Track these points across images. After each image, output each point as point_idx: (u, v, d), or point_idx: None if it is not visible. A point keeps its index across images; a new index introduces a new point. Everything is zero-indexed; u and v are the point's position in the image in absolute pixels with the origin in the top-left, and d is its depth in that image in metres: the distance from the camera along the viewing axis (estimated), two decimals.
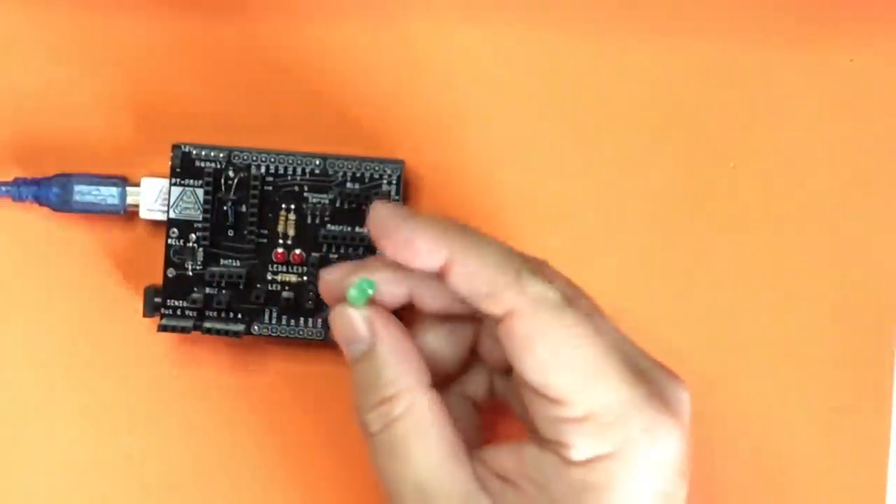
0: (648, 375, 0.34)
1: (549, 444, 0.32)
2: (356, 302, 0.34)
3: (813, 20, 0.41)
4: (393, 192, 0.40)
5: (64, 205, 0.40)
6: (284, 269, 0.40)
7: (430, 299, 0.35)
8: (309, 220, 0.40)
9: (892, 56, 0.41)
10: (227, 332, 0.40)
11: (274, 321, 0.40)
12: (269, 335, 0.40)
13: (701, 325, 0.41)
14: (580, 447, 0.32)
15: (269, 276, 0.40)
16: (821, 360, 0.41)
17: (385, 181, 0.40)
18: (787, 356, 0.41)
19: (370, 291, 0.34)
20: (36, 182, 0.40)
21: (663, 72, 0.41)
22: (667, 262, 0.41)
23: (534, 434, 0.33)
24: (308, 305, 0.40)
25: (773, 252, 0.41)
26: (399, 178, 0.40)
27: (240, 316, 0.40)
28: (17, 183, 0.40)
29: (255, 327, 0.40)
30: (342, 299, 0.34)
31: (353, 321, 0.34)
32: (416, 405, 0.33)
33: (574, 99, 0.41)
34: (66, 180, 0.40)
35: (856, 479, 0.41)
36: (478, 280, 0.33)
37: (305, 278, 0.40)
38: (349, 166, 0.40)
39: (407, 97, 0.41)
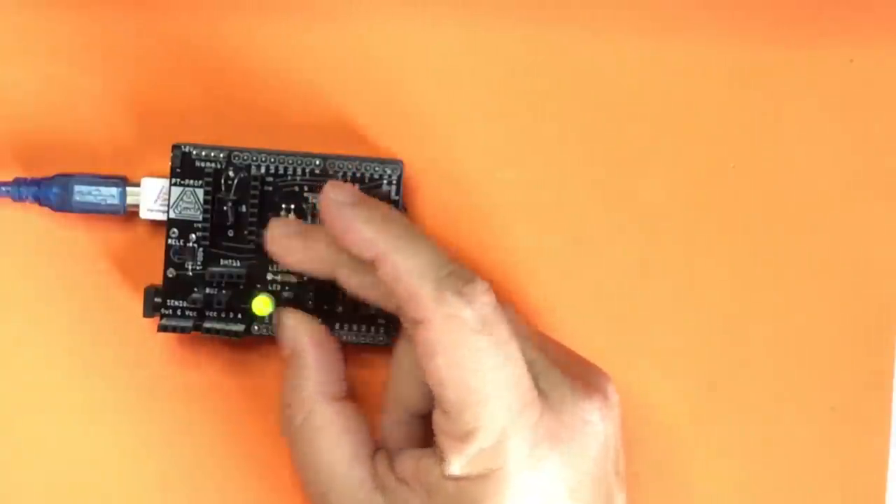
0: (553, 405, 0.35)
1: (438, 453, 0.35)
2: (260, 313, 0.39)
3: (813, 20, 0.41)
4: (393, 192, 0.40)
5: (64, 205, 0.40)
6: (284, 269, 0.40)
7: (355, 285, 0.37)
8: (309, 220, 0.40)
9: (892, 56, 0.41)
10: (227, 332, 0.40)
11: (274, 321, 0.40)
12: (270, 335, 0.40)
13: (701, 325, 0.41)
14: (455, 463, 0.34)
15: (269, 276, 0.40)
16: (821, 360, 0.41)
17: (385, 181, 0.40)
18: (787, 356, 0.41)
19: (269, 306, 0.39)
20: (36, 182, 0.40)
21: (663, 72, 0.41)
22: (667, 262, 0.41)
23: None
24: (308, 305, 0.40)
25: (773, 252, 0.41)
26: (399, 178, 0.40)
27: (240, 316, 0.40)
28: (17, 183, 0.40)
29: (255, 327, 0.40)
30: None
31: (287, 330, 0.38)
32: (319, 411, 0.37)
33: (574, 99, 0.41)
34: (66, 180, 0.40)
35: (856, 479, 0.41)
36: (403, 282, 0.34)
37: (305, 278, 0.40)
38: (349, 166, 0.40)
39: (407, 97, 0.41)
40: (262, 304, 0.38)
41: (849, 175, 0.41)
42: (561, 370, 0.35)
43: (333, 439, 0.36)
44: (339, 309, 0.40)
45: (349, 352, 0.41)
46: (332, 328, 0.40)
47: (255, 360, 0.41)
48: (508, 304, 0.37)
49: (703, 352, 0.41)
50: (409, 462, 0.36)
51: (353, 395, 0.38)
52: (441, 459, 0.34)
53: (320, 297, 0.40)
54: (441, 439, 0.34)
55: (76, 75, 0.41)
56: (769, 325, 0.41)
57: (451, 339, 0.33)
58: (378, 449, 0.37)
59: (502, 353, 0.34)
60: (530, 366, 0.35)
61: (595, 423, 0.35)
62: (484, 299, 0.34)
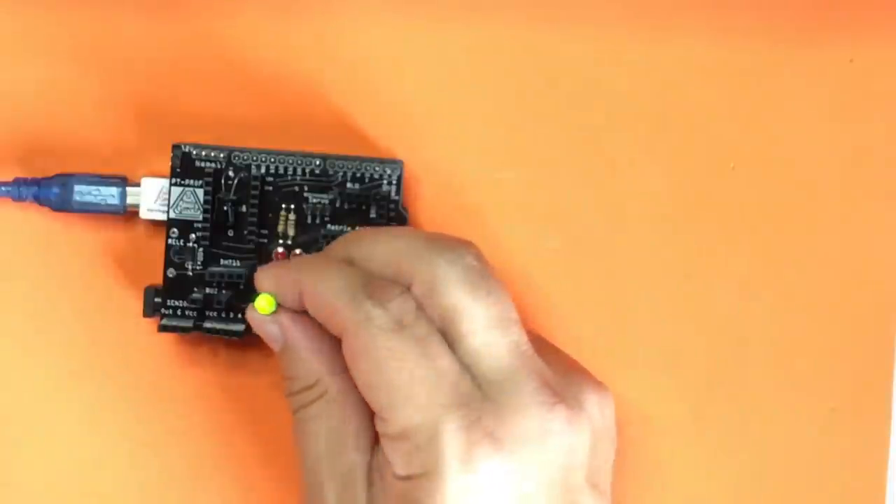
0: (497, 403, 0.34)
1: (385, 457, 0.35)
2: (262, 311, 0.37)
3: (813, 20, 0.41)
4: (393, 192, 0.40)
5: (64, 205, 0.40)
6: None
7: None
8: (309, 220, 0.40)
9: (892, 56, 0.41)
10: (227, 332, 0.40)
11: (249, 319, 0.40)
12: None
13: (700, 325, 0.41)
14: (396, 464, 0.34)
15: None
16: (821, 360, 0.41)
17: (385, 181, 0.40)
18: (787, 356, 0.41)
19: (272, 304, 0.38)
20: (36, 182, 0.40)
21: (663, 72, 0.41)
22: (666, 262, 0.41)
23: None
24: None
25: (773, 252, 0.41)
26: (399, 178, 0.40)
27: (240, 316, 0.40)
28: (17, 183, 0.40)
29: None
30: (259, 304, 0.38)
31: (264, 324, 0.38)
32: (319, 397, 0.36)
33: (574, 99, 0.41)
34: (66, 180, 0.40)
35: (856, 479, 0.41)
36: (320, 305, 0.36)
37: None
38: (349, 166, 0.40)
39: (407, 97, 0.41)
40: (265, 303, 0.38)
41: (849, 175, 0.41)
42: (534, 377, 0.35)
43: (339, 420, 0.36)
44: None
45: None
46: None
47: (255, 360, 0.41)
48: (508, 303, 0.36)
49: (702, 352, 0.41)
50: (381, 456, 0.36)
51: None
52: (387, 463, 0.34)
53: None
54: (382, 442, 0.35)
55: (76, 75, 0.41)
56: (769, 325, 0.41)
57: (367, 341, 0.34)
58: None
59: (421, 350, 0.34)
60: (447, 370, 0.34)
61: (557, 432, 0.34)
62: (397, 301, 0.34)
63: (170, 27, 0.41)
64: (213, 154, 0.40)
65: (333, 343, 0.37)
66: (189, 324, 0.40)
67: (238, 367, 0.41)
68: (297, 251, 0.40)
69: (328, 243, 0.40)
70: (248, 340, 0.40)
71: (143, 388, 0.41)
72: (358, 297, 0.35)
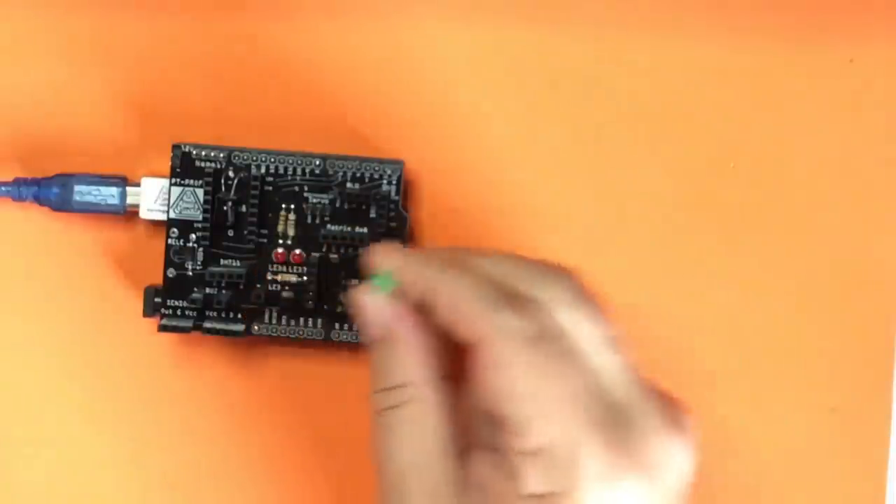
0: (628, 423, 0.33)
1: (511, 472, 0.33)
2: (381, 290, 0.36)
3: (813, 20, 0.41)
4: (393, 192, 0.40)
5: (64, 205, 0.40)
6: (284, 269, 0.40)
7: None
8: (309, 220, 0.40)
9: (892, 56, 0.41)
10: (227, 332, 0.40)
11: (274, 321, 0.40)
12: (269, 335, 0.40)
13: (700, 325, 0.41)
14: (529, 480, 0.32)
15: (269, 276, 0.40)
16: (821, 360, 0.41)
17: (385, 181, 0.40)
18: (787, 356, 0.41)
19: (391, 285, 0.36)
20: (36, 182, 0.40)
21: (663, 72, 0.41)
22: (666, 262, 0.41)
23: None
24: (308, 305, 0.40)
25: (773, 252, 0.41)
26: (399, 178, 0.40)
27: (240, 316, 0.40)
28: (17, 183, 0.40)
29: (255, 327, 0.40)
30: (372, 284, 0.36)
31: (375, 309, 0.36)
32: (416, 399, 0.34)
33: (574, 99, 0.41)
34: (66, 180, 0.40)
35: (856, 479, 0.41)
36: (457, 307, 0.34)
37: (305, 278, 0.40)
38: (349, 166, 0.40)
39: (407, 97, 0.41)
40: (383, 285, 0.36)
41: (849, 175, 0.41)
42: (653, 400, 0.34)
43: (429, 429, 0.34)
44: (339, 309, 0.40)
45: (348, 352, 0.41)
46: (331, 328, 0.40)
47: (255, 360, 0.41)
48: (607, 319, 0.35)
49: (702, 352, 0.41)
50: (486, 469, 0.34)
51: (452, 373, 0.36)
52: (514, 478, 0.33)
53: (320, 297, 0.40)
54: (511, 457, 0.33)
55: (76, 75, 0.41)
56: (769, 325, 0.41)
57: (510, 351, 0.33)
58: (467, 445, 0.35)
59: (567, 365, 0.33)
60: (593, 386, 0.33)
61: (680, 460, 0.34)
62: (541, 313, 0.33)
63: (170, 27, 0.41)
64: (213, 154, 0.40)
65: (438, 346, 0.35)
66: (189, 324, 0.40)
67: (238, 367, 0.41)
68: (297, 251, 0.40)
69: (328, 243, 0.40)
70: (248, 340, 0.40)
71: (143, 388, 0.41)
72: (500, 305, 0.33)
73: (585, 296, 0.34)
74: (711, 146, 0.41)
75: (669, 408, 0.35)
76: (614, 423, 0.33)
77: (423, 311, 0.35)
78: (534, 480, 0.32)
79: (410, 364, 0.35)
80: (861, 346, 0.41)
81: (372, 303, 0.36)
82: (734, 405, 0.41)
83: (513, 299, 0.33)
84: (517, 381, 0.33)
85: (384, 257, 0.36)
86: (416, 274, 0.35)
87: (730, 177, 0.41)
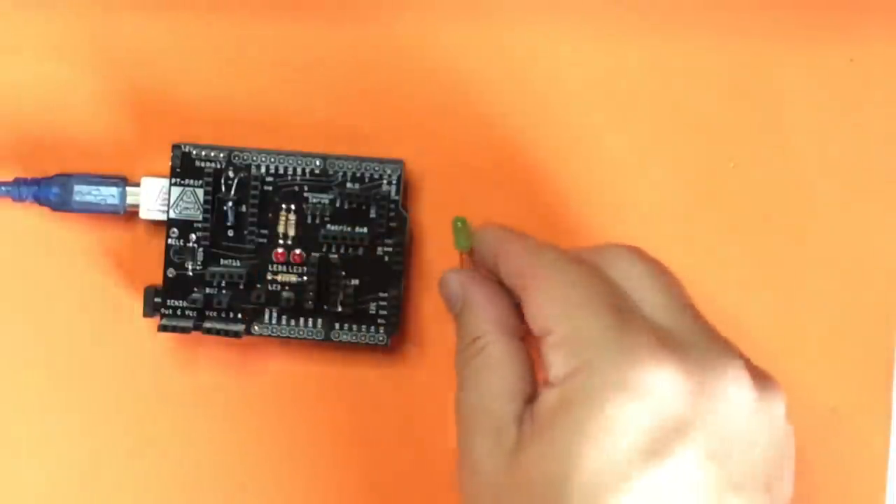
0: (640, 319, 0.34)
1: (544, 367, 0.34)
2: (459, 245, 0.39)
3: (813, 20, 0.41)
4: (393, 192, 0.40)
5: (64, 205, 0.40)
6: (284, 269, 0.40)
7: None
8: (309, 220, 0.40)
9: (892, 56, 0.41)
10: (227, 332, 0.40)
11: (274, 321, 0.40)
12: (269, 335, 0.40)
13: None
14: (556, 365, 0.34)
15: (269, 276, 0.40)
16: (821, 360, 0.41)
17: (385, 181, 0.40)
18: (787, 356, 0.41)
19: (464, 228, 0.39)
20: (36, 182, 0.40)
21: (663, 72, 0.41)
22: (666, 261, 0.41)
23: None
24: (308, 305, 0.40)
25: (773, 252, 0.41)
26: (399, 178, 0.40)
27: (240, 316, 0.40)
28: (17, 183, 0.40)
29: (255, 327, 0.40)
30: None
31: (450, 284, 0.38)
32: (488, 349, 0.36)
33: (574, 99, 0.41)
34: (66, 180, 0.40)
35: (856, 479, 0.41)
36: (509, 262, 0.37)
37: (305, 278, 0.40)
38: (349, 166, 0.40)
39: (407, 97, 0.41)
40: (462, 226, 0.39)
41: (849, 175, 0.41)
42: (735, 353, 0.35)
43: (498, 374, 0.36)
44: (339, 309, 0.40)
45: (349, 352, 0.41)
46: (331, 328, 0.40)
47: (255, 360, 0.41)
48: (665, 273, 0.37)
49: None
50: (533, 407, 0.35)
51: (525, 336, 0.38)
52: (547, 369, 0.34)
53: (320, 297, 0.40)
54: (545, 354, 0.34)
55: (76, 75, 0.41)
56: (769, 324, 0.41)
57: (549, 263, 0.35)
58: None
59: (601, 280, 0.35)
60: (607, 290, 0.35)
61: (758, 411, 0.34)
62: (568, 250, 0.36)
63: (170, 27, 0.41)
64: (213, 154, 0.40)
65: (508, 306, 0.37)
66: (189, 324, 0.40)
67: (238, 367, 0.41)
68: (297, 251, 0.40)
69: (328, 243, 0.40)
70: (248, 340, 0.40)
71: (143, 388, 0.41)
72: (545, 248, 0.36)
73: (658, 264, 0.36)
74: (711, 146, 0.41)
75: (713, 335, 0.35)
76: (645, 336, 0.33)
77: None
78: (558, 365, 0.33)
79: (483, 321, 0.37)
80: (861, 346, 0.41)
81: (449, 278, 0.38)
82: None
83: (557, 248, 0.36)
84: (549, 289, 0.35)
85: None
86: (482, 241, 0.38)
87: (730, 177, 0.41)
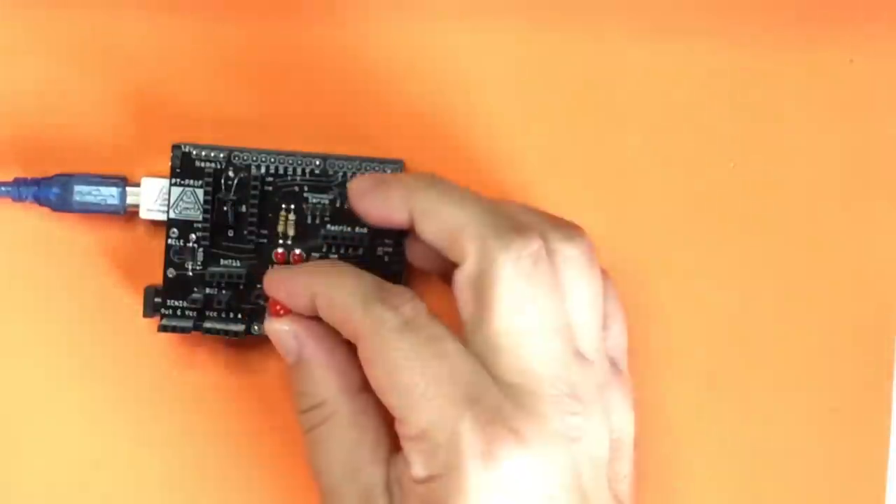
0: (506, 398, 0.34)
1: (405, 460, 0.34)
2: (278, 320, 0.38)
3: (813, 20, 0.41)
4: None
5: (64, 205, 0.40)
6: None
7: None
8: (309, 220, 0.40)
9: (892, 56, 0.41)
10: (227, 332, 0.40)
11: (266, 332, 0.40)
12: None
13: (700, 325, 0.41)
14: (416, 465, 0.34)
15: None
16: (821, 360, 0.41)
17: None
18: (787, 356, 0.41)
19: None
20: (36, 182, 0.40)
21: (663, 72, 0.41)
22: (666, 262, 0.41)
23: None
24: None
25: (773, 252, 0.41)
26: None
27: (240, 316, 0.40)
28: (17, 183, 0.40)
29: (255, 327, 0.40)
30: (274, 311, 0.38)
31: (281, 336, 0.37)
32: (335, 418, 0.36)
33: (574, 99, 0.41)
34: (66, 180, 0.40)
35: (856, 479, 0.41)
36: (334, 310, 0.36)
37: None
38: (349, 166, 0.40)
39: (407, 97, 0.41)
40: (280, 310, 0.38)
41: (849, 175, 0.41)
42: (558, 384, 0.34)
43: (354, 439, 0.36)
44: None
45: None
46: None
47: (255, 360, 0.41)
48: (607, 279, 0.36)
49: (702, 352, 0.41)
50: (401, 464, 0.36)
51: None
52: (408, 465, 0.34)
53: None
54: (403, 443, 0.34)
55: (76, 75, 0.41)
56: (769, 325, 0.41)
57: (379, 343, 0.34)
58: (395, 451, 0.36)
59: (433, 350, 0.34)
60: (461, 368, 0.34)
61: (578, 438, 0.34)
62: (409, 304, 0.34)
63: (170, 27, 0.41)
64: (213, 154, 0.40)
65: (349, 357, 0.37)
66: (189, 324, 0.40)
67: (238, 367, 0.41)
68: (297, 251, 0.40)
69: (328, 243, 0.40)
70: (248, 340, 0.40)
71: (143, 388, 0.41)
72: (370, 301, 0.35)
73: (526, 274, 0.35)
74: (711, 146, 0.41)
75: (594, 392, 0.35)
76: (499, 399, 0.33)
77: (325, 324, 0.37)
78: (420, 464, 0.34)
79: (323, 382, 0.37)
80: (861, 346, 0.41)
81: (279, 331, 0.37)
82: (734, 405, 0.41)
83: (387, 293, 0.35)
84: (390, 371, 0.34)
85: (271, 277, 0.38)
86: (298, 285, 0.37)
87: (730, 177, 0.41)
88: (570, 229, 0.36)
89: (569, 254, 0.35)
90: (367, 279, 0.36)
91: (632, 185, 0.41)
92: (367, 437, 0.36)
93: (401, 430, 0.34)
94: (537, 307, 0.34)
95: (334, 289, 0.36)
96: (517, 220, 0.35)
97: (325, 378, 0.37)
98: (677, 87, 0.41)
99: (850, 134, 0.41)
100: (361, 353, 0.35)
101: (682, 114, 0.41)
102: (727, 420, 0.41)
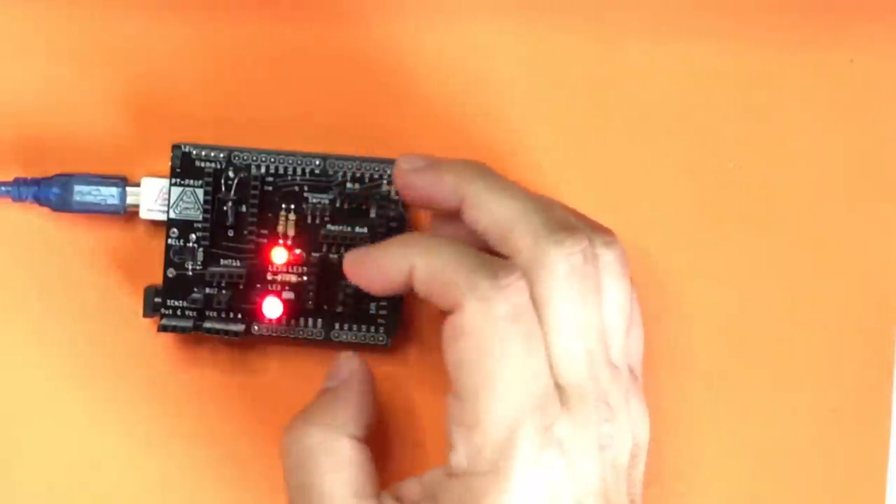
0: (562, 408, 0.34)
1: (447, 444, 0.34)
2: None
3: (813, 20, 0.41)
4: (393, 193, 0.40)
5: (64, 205, 0.40)
6: (284, 269, 0.40)
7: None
8: (309, 220, 0.40)
9: (892, 56, 0.41)
10: (227, 332, 0.40)
11: (274, 321, 0.40)
12: (269, 335, 0.40)
13: (700, 325, 0.41)
14: (459, 453, 0.33)
15: (269, 276, 0.40)
16: (821, 360, 0.41)
17: (385, 181, 0.40)
18: (787, 356, 0.41)
19: None
20: (36, 182, 0.40)
21: (663, 72, 0.41)
22: (666, 262, 0.41)
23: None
24: (308, 305, 0.40)
25: (773, 252, 0.41)
26: None
27: (240, 316, 0.40)
28: (17, 183, 0.40)
29: (255, 327, 0.40)
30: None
31: (341, 368, 0.38)
32: (341, 446, 0.37)
33: (574, 99, 0.41)
34: (66, 180, 0.40)
35: (856, 479, 0.41)
36: (435, 282, 0.35)
37: (305, 278, 0.40)
38: (349, 166, 0.40)
39: (407, 97, 0.41)
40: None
41: (849, 175, 0.41)
42: (599, 391, 0.35)
43: (344, 472, 0.36)
44: (339, 309, 0.40)
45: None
46: (331, 328, 0.40)
47: (255, 360, 0.41)
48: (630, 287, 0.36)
49: (702, 352, 0.41)
50: (414, 484, 0.36)
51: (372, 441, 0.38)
52: (450, 448, 0.34)
53: (320, 297, 0.40)
54: (451, 428, 0.34)
55: (76, 75, 0.41)
56: (769, 325, 0.41)
57: (481, 322, 0.33)
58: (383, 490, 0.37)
59: (527, 347, 0.33)
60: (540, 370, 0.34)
61: (608, 446, 0.34)
62: (515, 287, 0.34)
63: (170, 27, 0.41)
64: (213, 154, 0.40)
65: (371, 411, 0.38)
66: (189, 324, 0.40)
67: (238, 367, 0.41)
68: (297, 251, 0.40)
69: (328, 243, 0.40)
70: (248, 340, 0.40)
71: (143, 388, 0.41)
72: (477, 275, 0.34)
73: (579, 275, 0.34)
74: (711, 146, 0.41)
75: (622, 400, 0.35)
76: (557, 410, 0.33)
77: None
78: (462, 455, 0.33)
79: (347, 419, 0.37)
80: (861, 346, 0.41)
81: (343, 363, 0.38)
82: (734, 405, 0.41)
83: (493, 268, 0.34)
84: (480, 352, 0.33)
85: (356, 257, 0.37)
86: (393, 257, 0.36)
87: (730, 177, 0.41)
88: (607, 234, 0.36)
89: (607, 258, 0.35)
90: (470, 248, 0.35)
91: (632, 185, 0.41)
92: (359, 474, 0.36)
93: (457, 411, 0.34)
94: (587, 307, 0.34)
95: (437, 257, 0.35)
96: (565, 219, 0.36)
97: (344, 413, 0.37)
98: (677, 87, 0.41)
99: (851, 134, 0.41)
100: (454, 321, 0.34)
101: (682, 114, 0.41)
102: (727, 420, 0.41)
